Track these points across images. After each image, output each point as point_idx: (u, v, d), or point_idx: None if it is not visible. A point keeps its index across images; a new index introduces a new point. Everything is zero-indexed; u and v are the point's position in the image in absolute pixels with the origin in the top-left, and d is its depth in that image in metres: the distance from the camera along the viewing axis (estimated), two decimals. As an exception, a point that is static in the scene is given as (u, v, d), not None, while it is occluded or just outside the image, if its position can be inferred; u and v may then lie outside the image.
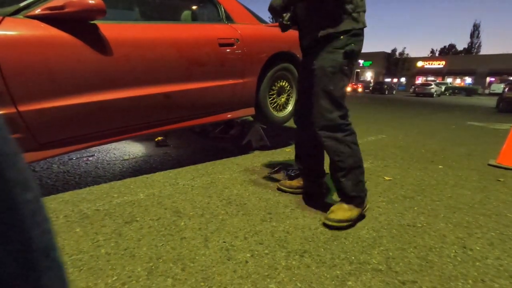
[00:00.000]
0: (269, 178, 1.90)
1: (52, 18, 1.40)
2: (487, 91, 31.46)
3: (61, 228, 1.22)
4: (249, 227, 1.27)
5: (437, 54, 51.35)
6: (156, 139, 2.88)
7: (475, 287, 0.94)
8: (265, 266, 1.01)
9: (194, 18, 2.34)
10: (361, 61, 46.37)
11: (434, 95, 22.31)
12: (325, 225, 1.28)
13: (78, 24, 1.47)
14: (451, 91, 29.64)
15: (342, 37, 1.23)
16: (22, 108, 1.34)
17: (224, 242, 1.15)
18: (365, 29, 1.29)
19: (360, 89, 25.87)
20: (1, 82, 1.25)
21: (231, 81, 2.19)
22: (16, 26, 1.31)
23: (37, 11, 1.37)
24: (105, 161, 2.29)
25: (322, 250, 1.12)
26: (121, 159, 2.36)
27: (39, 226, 0.23)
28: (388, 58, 43.77)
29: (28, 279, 0.22)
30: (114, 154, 2.50)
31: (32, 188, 0.23)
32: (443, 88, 28.29)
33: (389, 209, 1.51)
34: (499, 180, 2.03)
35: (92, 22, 1.52)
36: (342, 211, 1.29)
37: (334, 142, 1.29)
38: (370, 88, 26.54)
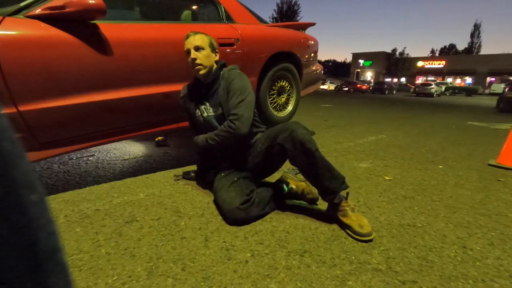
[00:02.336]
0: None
1: (53, 18, 1.40)
2: (487, 91, 31.45)
3: (62, 228, 1.22)
4: (249, 227, 1.27)
5: (437, 54, 51.44)
6: (156, 139, 2.89)
7: (475, 287, 0.94)
8: (265, 266, 1.01)
9: (195, 18, 2.34)
10: (361, 61, 46.45)
11: (434, 95, 22.32)
12: (366, 241, 1.19)
13: (78, 24, 1.47)
14: (451, 91, 29.63)
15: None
16: (23, 108, 1.34)
17: (224, 242, 1.15)
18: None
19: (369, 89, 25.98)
20: (1, 81, 1.25)
21: (231, 81, 2.19)
22: (16, 26, 1.31)
23: (37, 11, 1.37)
24: (105, 161, 2.29)
25: (322, 250, 1.12)
26: (121, 159, 2.36)
27: (44, 228, 0.23)
28: (388, 58, 43.80)
29: (34, 281, 0.22)
30: (114, 154, 2.51)
31: (37, 189, 0.23)
32: (443, 88, 28.29)
33: (389, 209, 1.51)
34: (500, 180, 2.03)
35: (92, 22, 1.53)
36: (363, 217, 1.26)
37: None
38: (370, 88, 26.58)
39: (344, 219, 1.26)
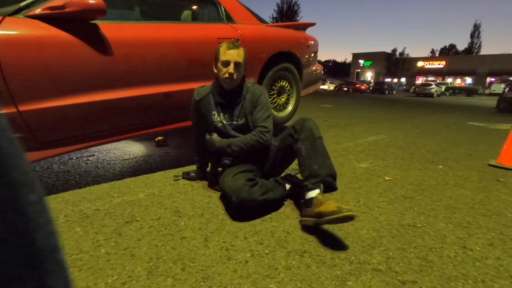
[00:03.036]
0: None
1: (53, 18, 1.40)
2: (487, 91, 31.42)
3: (61, 228, 1.22)
4: (249, 227, 1.27)
5: (437, 54, 51.41)
6: (156, 139, 2.88)
7: (475, 287, 0.94)
8: (265, 266, 1.01)
9: (195, 18, 2.34)
10: (361, 61, 46.43)
11: (434, 95, 22.32)
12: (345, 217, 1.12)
13: (78, 24, 1.47)
14: (451, 91, 29.63)
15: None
16: (23, 107, 1.34)
17: (224, 242, 1.15)
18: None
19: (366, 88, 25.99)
20: (1, 81, 1.25)
21: (231, 81, 2.19)
22: (17, 26, 1.31)
23: (38, 10, 1.37)
24: (105, 160, 2.29)
25: (322, 250, 1.12)
26: (121, 159, 2.36)
27: (43, 228, 0.23)
28: (388, 58, 43.76)
29: (32, 281, 0.22)
30: (114, 153, 2.50)
31: (36, 189, 0.23)
32: (443, 88, 28.27)
33: (389, 209, 1.51)
34: (499, 180, 2.03)
35: (92, 21, 1.53)
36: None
37: None
38: (370, 88, 26.58)
39: (319, 209, 1.19)
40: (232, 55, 1.48)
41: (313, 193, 1.29)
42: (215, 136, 1.59)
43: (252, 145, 1.50)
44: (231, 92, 1.55)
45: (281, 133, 1.55)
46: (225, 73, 1.48)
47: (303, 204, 1.33)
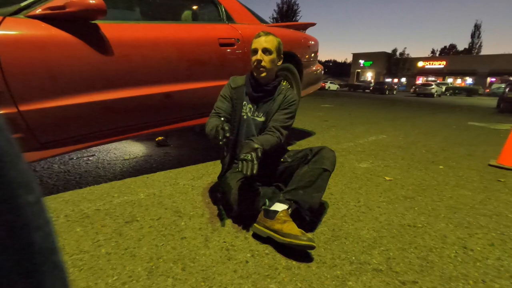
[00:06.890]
0: None
1: (53, 18, 1.40)
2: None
3: (62, 228, 1.22)
4: (249, 227, 1.27)
5: (437, 54, 51.37)
6: (156, 139, 2.88)
7: (475, 288, 0.94)
8: (265, 266, 1.01)
9: (195, 18, 2.34)
10: (361, 61, 46.39)
11: (435, 95, 22.32)
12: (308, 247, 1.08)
13: (79, 24, 1.47)
14: (451, 91, 29.62)
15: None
16: (23, 107, 1.34)
17: (225, 242, 1.15)
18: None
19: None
20: (2, 81, 1.25)
21: (231, 81, 2.19)
22: (17, 26, 1.31)
23: (38, 11, 1.37)
24: (105, 161, 2.29)
25: (323, 250, 1.12)
26: (122, 159, 2.36)
27: (41, 229, 0.23)
28: (388, 58, 43.73)
29: (30, 282, 0.22)
30: (114, 154, 2.50)
31: (34, 190, 0.23)
32: (443, 88, 28.27)
33: (389, 209, 1.50)
34: (500, 181, 2.03)
35: (93, 22, 1.53)
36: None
37: None
38: (371, 88, 26.58)
39: (281, 226, 1.15)
40: (260, 42, 1.42)
41: (280, 207, 1.21)
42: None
43: (273, 146, 1.38)
44: (264, 87, 1.50)
45: (299, 152, 1.48)
46: (254, 62, 1.43)
47: (263, 211, 1.23)
